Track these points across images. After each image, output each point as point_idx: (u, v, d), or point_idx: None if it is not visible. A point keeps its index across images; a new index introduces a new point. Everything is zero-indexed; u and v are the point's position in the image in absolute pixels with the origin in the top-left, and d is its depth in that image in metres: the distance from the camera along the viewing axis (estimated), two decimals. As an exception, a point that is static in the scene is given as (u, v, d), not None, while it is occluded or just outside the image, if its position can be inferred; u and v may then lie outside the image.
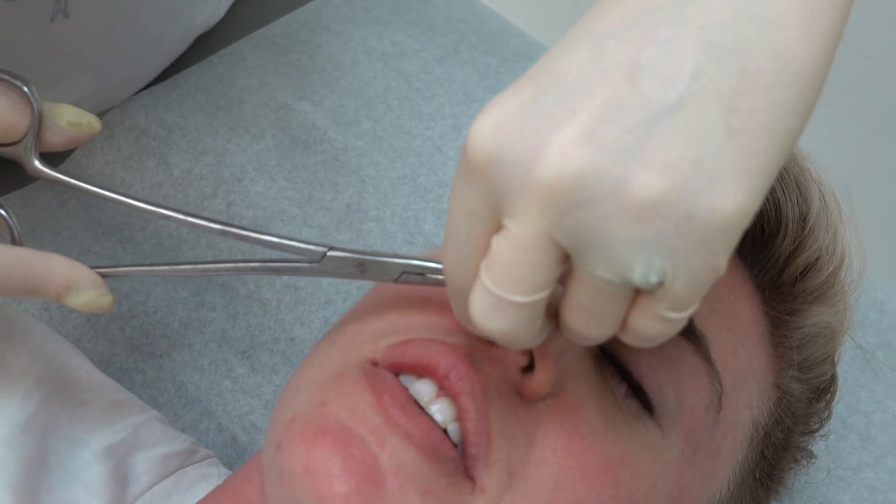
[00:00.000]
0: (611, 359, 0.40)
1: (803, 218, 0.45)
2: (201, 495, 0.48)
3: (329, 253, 0.41)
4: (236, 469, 0.48)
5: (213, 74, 0.74)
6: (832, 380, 0.49)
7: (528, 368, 0.38)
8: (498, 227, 0.30)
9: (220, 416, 0.61)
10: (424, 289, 0.41)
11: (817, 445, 0.53)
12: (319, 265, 0.41)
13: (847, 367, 0.65)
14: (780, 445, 0.47)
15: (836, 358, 0.49)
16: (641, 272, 0.28)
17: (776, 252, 0.46)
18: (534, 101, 0.28)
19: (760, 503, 0.48)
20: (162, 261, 0.65)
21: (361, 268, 0.40)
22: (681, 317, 0.30)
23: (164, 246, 0.66)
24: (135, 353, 0.62)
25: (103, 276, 0.42)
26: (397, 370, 0.38)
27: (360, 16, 0.79)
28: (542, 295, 0.30)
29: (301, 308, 0.64)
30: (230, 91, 0.73)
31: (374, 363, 0.39)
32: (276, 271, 0.42)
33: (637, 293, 0.30)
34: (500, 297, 0.30)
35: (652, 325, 0.31)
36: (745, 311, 0.44)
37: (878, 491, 0.61)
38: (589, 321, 0.31)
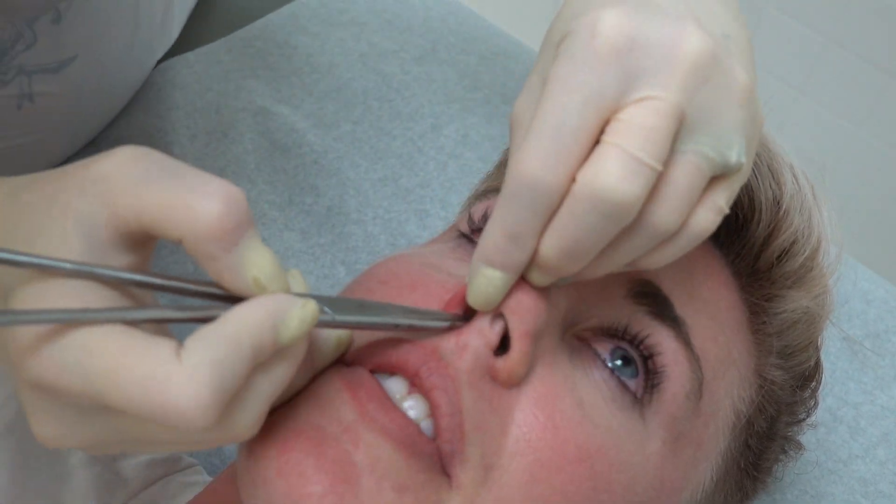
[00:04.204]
0: (588, 345, 0.40)
1: (777, 202, 0.44)
2: (186, 503, 0.47)
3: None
4: (217, 475, 0.48)
5: (189, 72, 0.74)
6: (816, 367, 0.49)
7: (501, 351, 0.37)
8: (614, 112, 0.32)
9: (203, 422, 0.60)
10: (396, 289, 0.41)
11: (806, 437, 0.53)
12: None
13: (835, 360, 0.65)
14: (764, 434, 0.46)
15: (818, 344, 0.48)
16: (736, 152, 0.34)
17: (752, 237, 0.45)
18: (638, 9, 0.33)
19: (748, 494, 0.47)
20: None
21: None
22: (726, 212, 0.35)
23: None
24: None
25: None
26: (368, 368, 0.37)
27: (336, 17, 0.78)
28: (661, 169, 0.33)
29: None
30: (207, 94, 0.73)
31: (344, 363, 0.38)
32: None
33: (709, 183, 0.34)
34: (639, 159, 0.32)
35: (709, 219, 0.35)
36: (723, 299, 0.43)
37: (869, 483, 0.60)
38: (675, 208, 0.33)
